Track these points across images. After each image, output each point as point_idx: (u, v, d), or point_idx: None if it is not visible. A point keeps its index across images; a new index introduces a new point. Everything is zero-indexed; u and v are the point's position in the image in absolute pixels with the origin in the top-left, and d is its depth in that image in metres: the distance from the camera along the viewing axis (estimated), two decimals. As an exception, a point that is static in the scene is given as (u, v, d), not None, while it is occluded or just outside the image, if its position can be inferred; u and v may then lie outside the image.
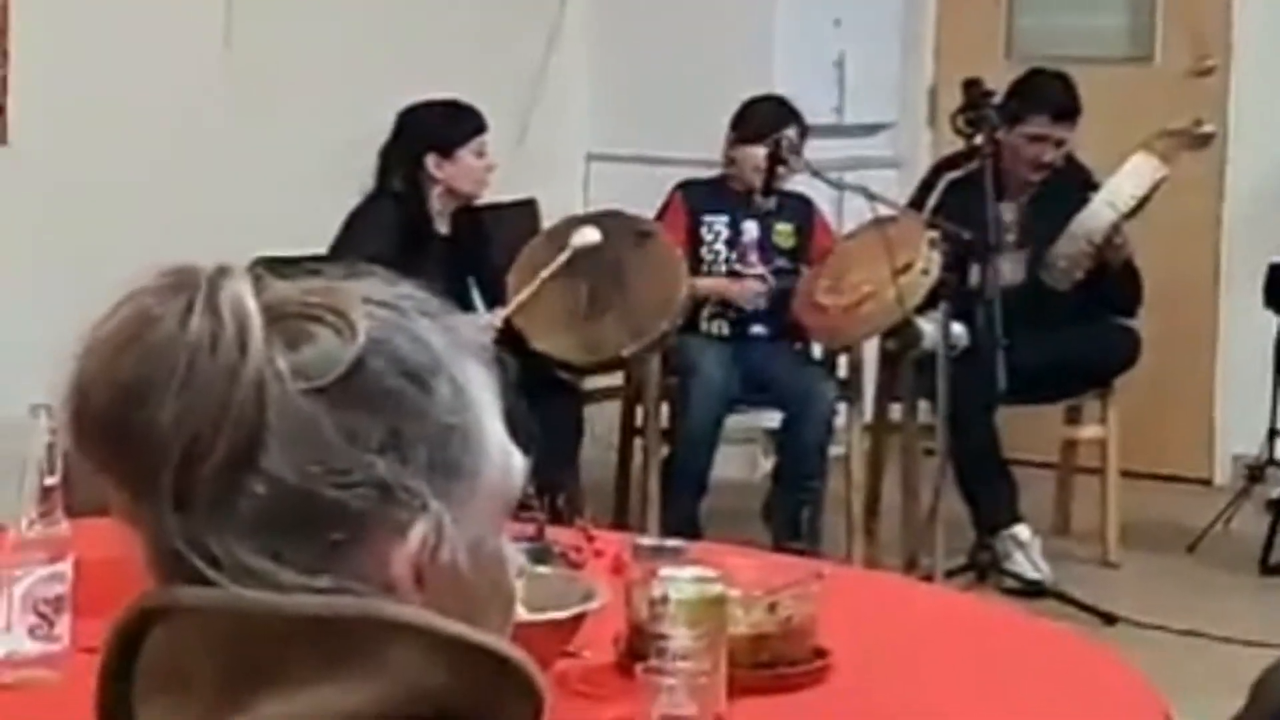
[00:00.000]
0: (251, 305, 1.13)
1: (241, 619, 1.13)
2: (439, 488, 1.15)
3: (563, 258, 5.56)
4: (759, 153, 5.92)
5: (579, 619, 2.52)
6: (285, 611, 1.12)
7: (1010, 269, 5.83)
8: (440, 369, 1.17)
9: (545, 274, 5.55)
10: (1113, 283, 6.00)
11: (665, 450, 5.97)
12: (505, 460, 1.21)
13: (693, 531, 5.58)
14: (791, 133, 5.93)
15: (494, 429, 1.20)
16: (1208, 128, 6.13)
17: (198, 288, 1.13)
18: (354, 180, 5.59)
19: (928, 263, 5.39)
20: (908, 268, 5.39)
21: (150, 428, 1.11)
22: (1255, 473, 6.61)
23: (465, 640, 1.15)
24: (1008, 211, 5.87)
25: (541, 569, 2.80)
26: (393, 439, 1.14)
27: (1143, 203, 5.89)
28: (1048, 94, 6.06)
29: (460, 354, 1.19)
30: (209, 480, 1.11)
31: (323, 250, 5.27)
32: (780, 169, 5.87)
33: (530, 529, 3.04)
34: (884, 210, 5.51)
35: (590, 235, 5.60)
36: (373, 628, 1.13)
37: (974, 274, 5.59)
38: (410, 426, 1.15)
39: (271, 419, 1.11)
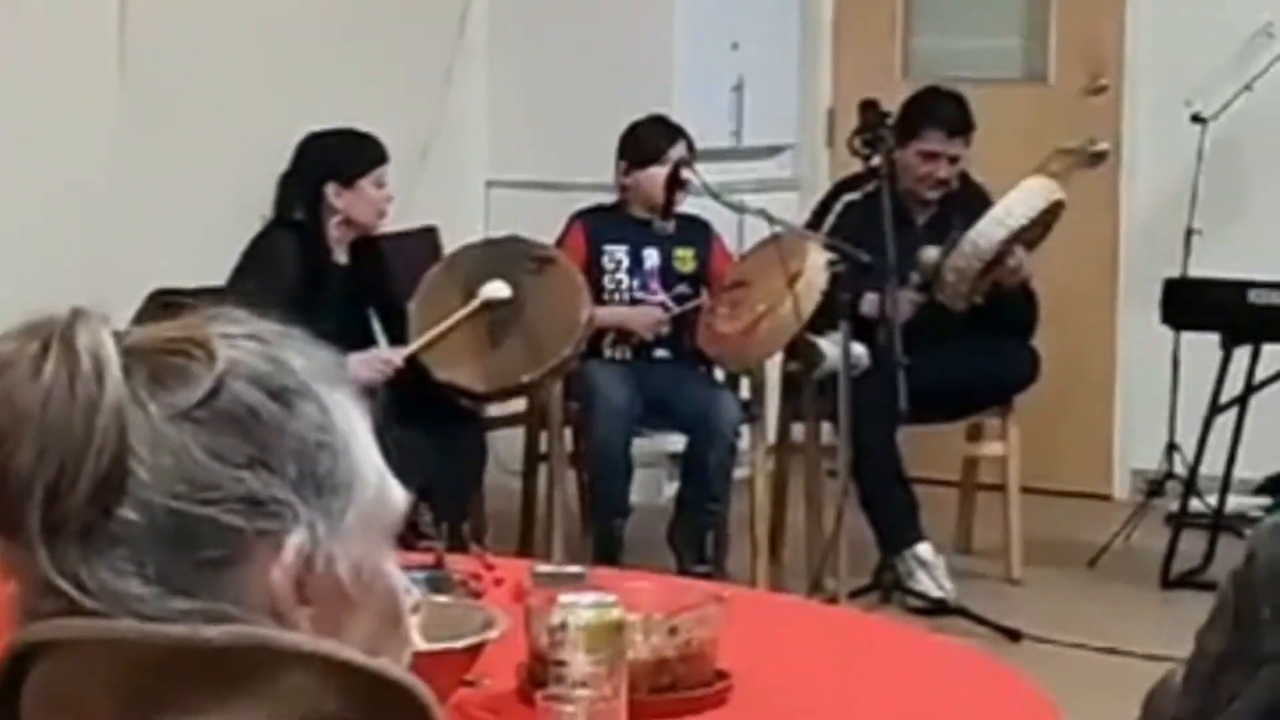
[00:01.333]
0: (108, 341, 1.15)
1: (126, 650, 1.13)
2: (310, 501, 1.17)
3: (469, 308, 5.57)
4: (656, 174, 5.94)
5: (478, 647, 2.52)
6: (169, 641, 1.13)
7: (912, 293, 5.87)
8: (305, 391, 1.19)
9: (449, 323, 5.55)
10: (1010, 305, 6.05)
11: (572, 476, 5.97)
12: (381, 483, 1.22)
13: (614, 555, 5.61)
14: (682, 151, 5.95)
15: (366, 452, 1.21)
16: (1101, 146, 6.19)
17: (53, 332, 1.15)
18: (252, 210, 5.56)
19: (816, 268, 5.42)
20: (798, 275, 5.42)
21: (10, 470, 1.13)
22: (1154, 487, 6.68)
23: (356, 666, 1.15)
24: (908, 235, 5.90)
25: (441, 598, 2.80)
26: (260, 454, 1.15)
27: (1042, 227, 5.92)
28: (941, 110, 6.11)
29: (325, 379, 1.20)
30: (78, 511, 1.13)
31: (221, 282, 5.24)
32: (679, 191, 5.89)
33: (430, 558, 3.03)
34: (782, 231, 5.54)
35: (500, 290, 5.60)
36: (264, 655, 1.14)
37: (869, 303, 5.63)
38: (276, 442, 1.16)
39: (135, 445, 1.13)
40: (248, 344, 1.19)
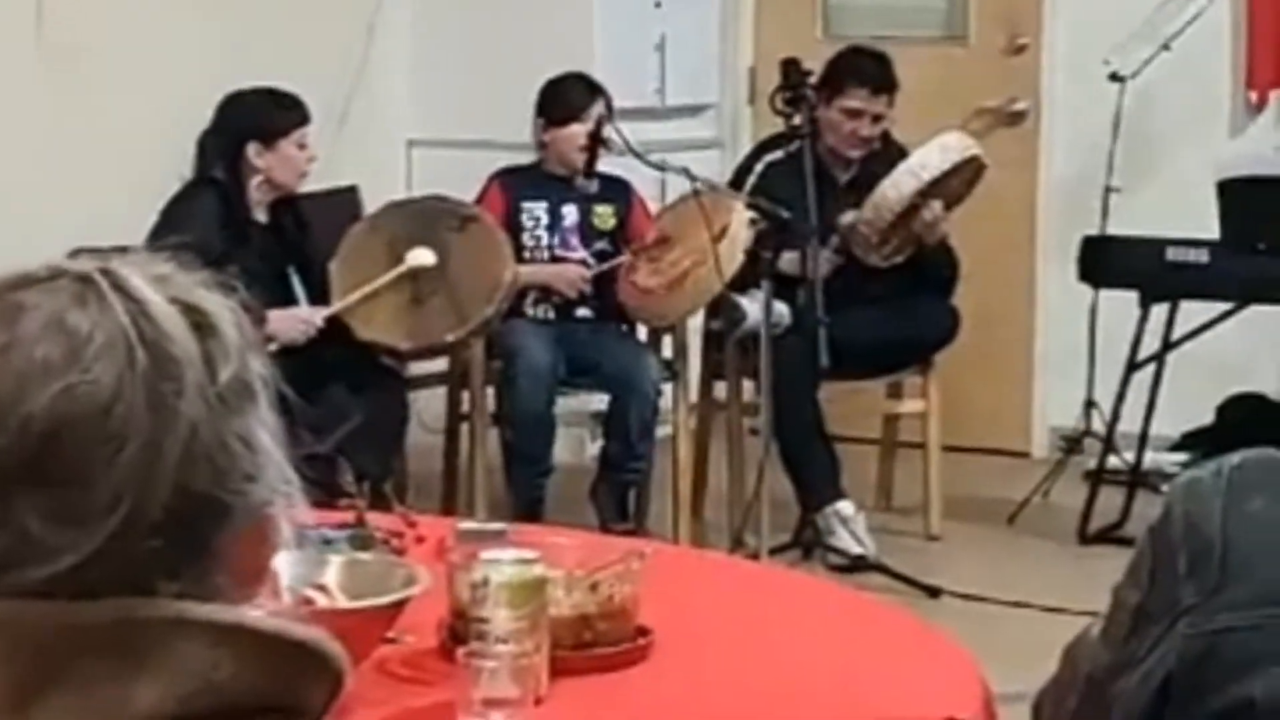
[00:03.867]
0: None
1: (14, 628, 1.12)
2: None
3: (394, 273, 5.55)
4: (576, 132, 5.93)
5: (400, 605, 2.52)
6: (56, 618, 1.12)
7: (830, 253, 5.89)
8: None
9: (372, 287, 5.53)
10: (930, 263, 6.08)
11: (494, 434, 5.97)
12: None
13: (536, 514, 5.61)
14: (601, 109, 5.94)
15: None
16: (1021, 105, 6.21)
17: None
18: (172, 168, 5.53)
19: (741, 225, 5.43)
20: (724, 232, 5.43)
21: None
22: (1072, 444, 6.72)
23: (247, 628, 1.15)
24: (830, 194, 5.91)
25: (362, 555, 2.80)
26: None
27: (964, 185, 5.94)
28: (864, 68, 6.14)
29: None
30: None
31: (140, 241, 5.21)
32: (601, 149, 5.88)
33: (351, 515, 3.03)
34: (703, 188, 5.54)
35: (425, 257, 5.58)
36: (152, 626, 1.13)
37: (788, 261, 5.64)
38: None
39: None
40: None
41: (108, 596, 1.13)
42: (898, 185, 5.84)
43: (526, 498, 5.79)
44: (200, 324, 1.17)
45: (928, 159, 5.86)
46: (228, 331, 1.18)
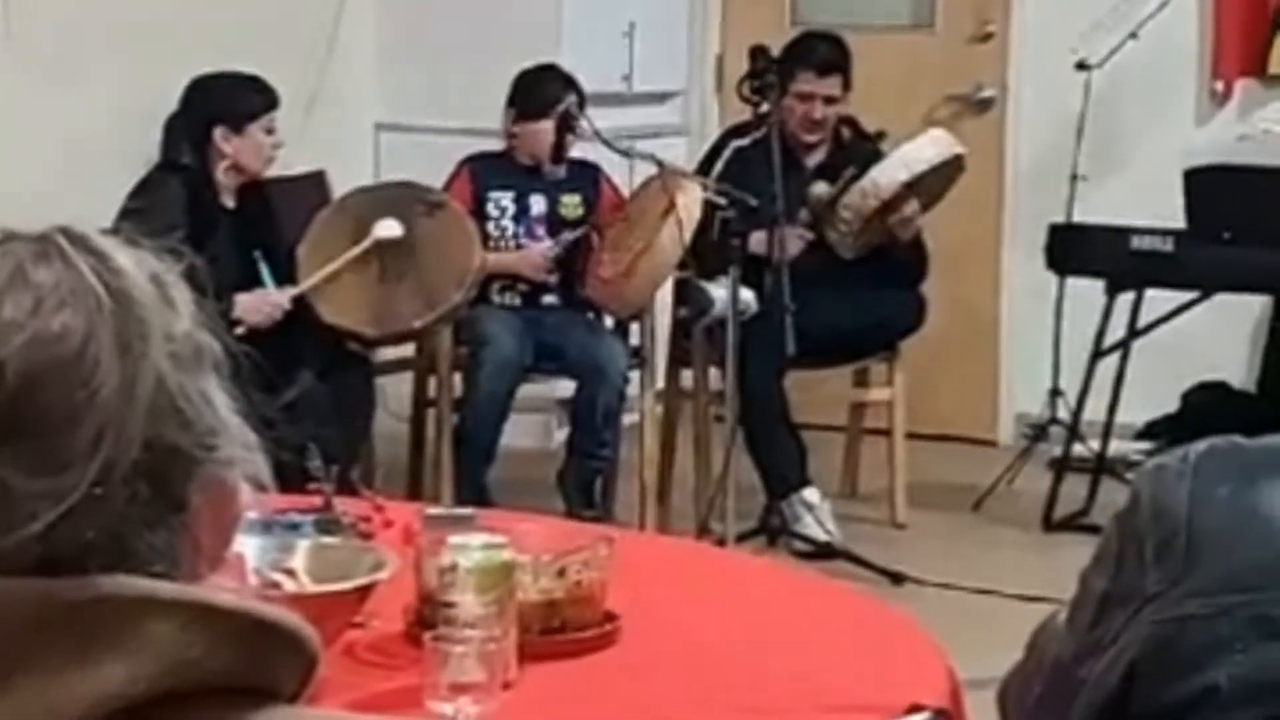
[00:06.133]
0: None
1: None
2: None
3: (361, 247, 5.54)
4: (544, 128, 5.94)
5: (367, 589, 2.52)
6: (22, 597, 1.12)
7: (800, 229, 5.91)
8: None
9: (340, 262, 5.53)
10: (900, 258, 6.09)
11: (456, 420, 5.96)
12: None
13: (483, 500, 5.60)
14: (572, 100, 5.94)
15: None
16: (987, 93, 6.24)
17: None
18: (139, 152, 5.51)
19: (691, 200, 5.44)
20: (671, 207, 5.43)
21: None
22: (1038, 432, 6.74)
23: (219, 608, 1.15)
24: (797, 181, 5.91)
25: (329, 539, 2.80)
26: None
27: (943, 183, 5.95)
28: (814, 50, 6.16)
29: None
30: None
31: (107, 225, 5.19)
32: (569, 137, 5.89)
33: (318, 501, 3.03)
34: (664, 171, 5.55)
35: (393, 229, 5.57)
36: (120, 605, 1.13)
37: (757, 241, 5.65)
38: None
39: None
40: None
41: (92, 555, 1.13)
42: (888, 174, 5.84)
43: (471, 485, 5.77)
44: (157, 278, 1.18)
45: (919, 151, 5.86)
46: (181, 291, 1.20)
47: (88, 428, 1.12)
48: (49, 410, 1.12)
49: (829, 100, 6.12)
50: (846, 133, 6.19)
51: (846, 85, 6.14)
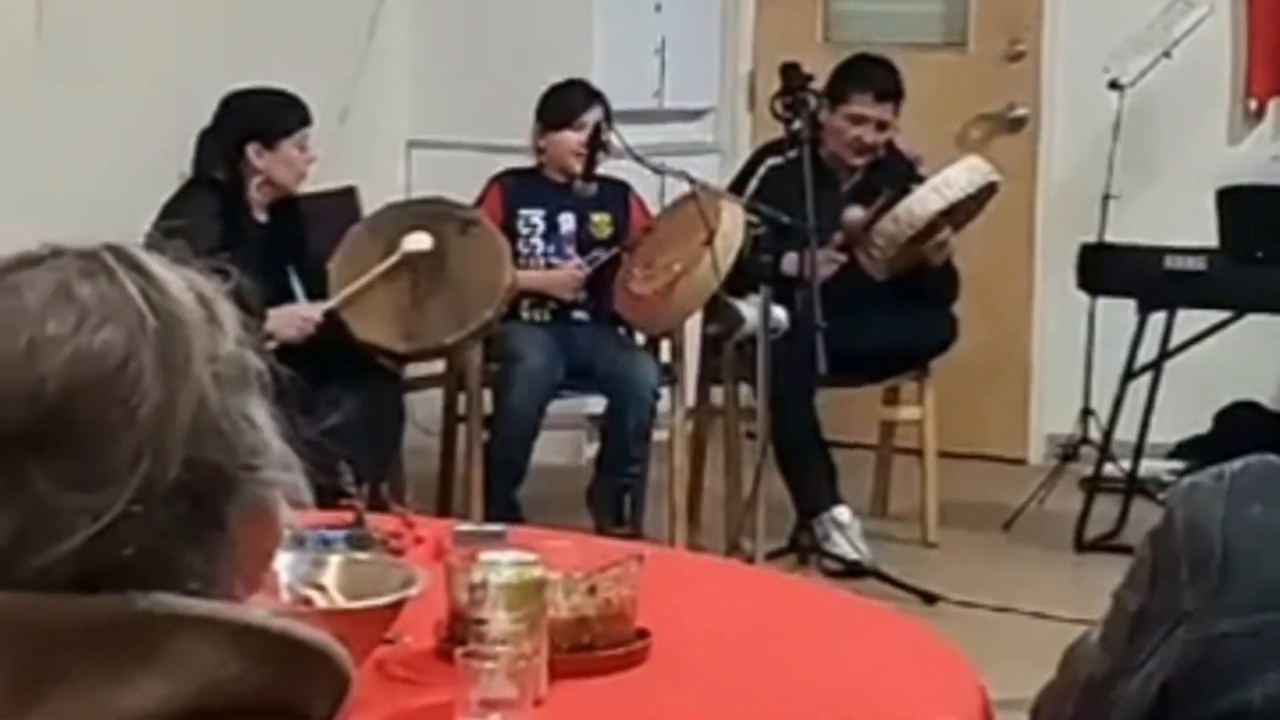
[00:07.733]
0: None
1: (13, 625, 1.11)
2: None
3: (391, 261, 5.55)
4: (573, 138, 5.95)
5: (398, 605, 2.52)
6: (55, 613, 1.11)
7: (833, 251, 5.90)
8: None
9: (370, 276, 5.54)
10: (932, 279, 6.08)
11: (486, 437, 5.96)
12: None
13: (514, 517, 5.59)
14: (599, 115, 5.94)
15: None
16: (1020, 112, 6.22)
17: None
18: (172, 167, 5.53)
19: (733, 226, 5.43)
20: (714, 234, 5.42)
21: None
22: (1069, 451, 6.73)
23: (258, 628, 1.14)
24: (831, 200, 5.90)
25: (361, 555, 2.80)
26: None
27: (975, 206, 5.94)
28: (871, 75, 6.14)
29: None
30: None
31: (139, 229, 5.21)
32: (600, 153, 5.89)
33: (349, 516, 3.03)
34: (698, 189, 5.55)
35: (422, 242, 5.58)
36: (155, 622, 1.12)
37: (789, 262, 5.65)
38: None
39: None
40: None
41: (129, 572, 1.12)
42: (923, 203, 5.82)
43: (502, 501, 5.77)
44: (203, 297, 1.18)
45: (953, 179, 5.84)
46: (227, 311, 1.19)
47: (127, 445, 1.11)
48: (88, 426, 1.11)
49: (881, 125, 6.11)
50: (882, 152, 6.18)
51: (897, 111, 6.14)
